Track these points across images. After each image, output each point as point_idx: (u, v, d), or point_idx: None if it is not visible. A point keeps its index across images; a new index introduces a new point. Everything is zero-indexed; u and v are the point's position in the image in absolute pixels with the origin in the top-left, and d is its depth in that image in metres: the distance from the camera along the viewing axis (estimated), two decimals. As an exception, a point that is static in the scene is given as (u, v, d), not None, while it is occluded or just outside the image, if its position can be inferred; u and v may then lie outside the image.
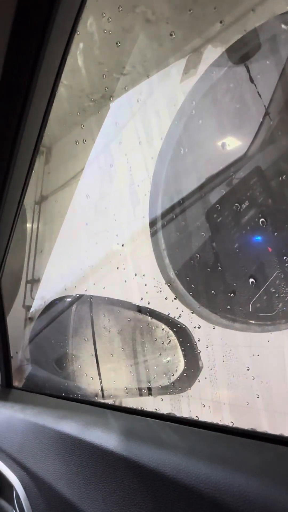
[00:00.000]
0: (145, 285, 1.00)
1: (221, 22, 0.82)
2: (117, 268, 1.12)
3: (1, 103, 0.70)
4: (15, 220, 0.94)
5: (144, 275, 1.02)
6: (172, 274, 1.01)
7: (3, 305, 1.09)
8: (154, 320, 1.01)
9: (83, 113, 1.21)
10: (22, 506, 0.76)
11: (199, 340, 0.92)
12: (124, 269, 1.08)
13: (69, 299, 1.22)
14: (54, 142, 1.34)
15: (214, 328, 0.90)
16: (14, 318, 1.38)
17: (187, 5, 0.93)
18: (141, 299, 1.00)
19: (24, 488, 0.75)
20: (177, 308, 0.96)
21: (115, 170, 1.18)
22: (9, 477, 0.79)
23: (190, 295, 0.96)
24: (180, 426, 0.62)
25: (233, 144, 0.99)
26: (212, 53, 1.02)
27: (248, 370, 0.83)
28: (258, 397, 0.79)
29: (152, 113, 1.11)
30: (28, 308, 1.52)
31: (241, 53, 0.98)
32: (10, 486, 0.80)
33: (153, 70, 1.14)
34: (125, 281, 1.06)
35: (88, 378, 1.10)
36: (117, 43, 1.05)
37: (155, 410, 0.72)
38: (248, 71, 0.97)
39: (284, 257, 0.82)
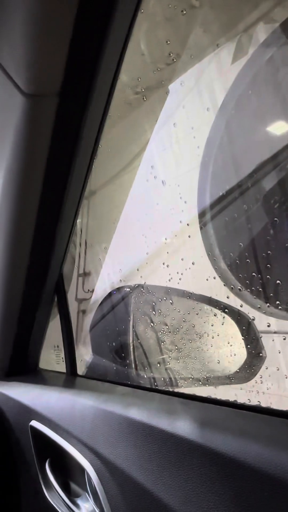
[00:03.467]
0: (191, 277, 1.00)
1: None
2: (171, 260, 1.11)
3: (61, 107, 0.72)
4: (76, 216, 0.96)
5: (193, 264, 1.00)
6: (223, 265, 0.99)
7: (66, 296, 1.12)
8: (214, 309, 1.00)
9: (130, 105, 1.21)
10: (94, 490, 0.78)
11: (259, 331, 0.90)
12: (181, 259, 1.07)
13: (127, 289, 1.23)
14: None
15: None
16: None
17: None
18: (201, 287, 1.00)
19: (97, 473, 0.78)
20: (227, 297, 0.94)
21: (166, 162, 1.17)
22: (81, 461, 0.81)
23: (242, 285, 0.93)
24: (256, 415, 0.61)
25: (285, 129, 0.94)
26: (262, 33, 0.98)
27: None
28: None
29: (201, 98, 1.09)
30: (80, 301, 1.55)
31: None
32: (81, 470, 0.82)
33: (201, 55, 1.12)
34: (179, 272, 1.06)
35: (150, 367, 1.11)
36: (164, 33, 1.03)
37: (227, 399, 0.71)
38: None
39: None
